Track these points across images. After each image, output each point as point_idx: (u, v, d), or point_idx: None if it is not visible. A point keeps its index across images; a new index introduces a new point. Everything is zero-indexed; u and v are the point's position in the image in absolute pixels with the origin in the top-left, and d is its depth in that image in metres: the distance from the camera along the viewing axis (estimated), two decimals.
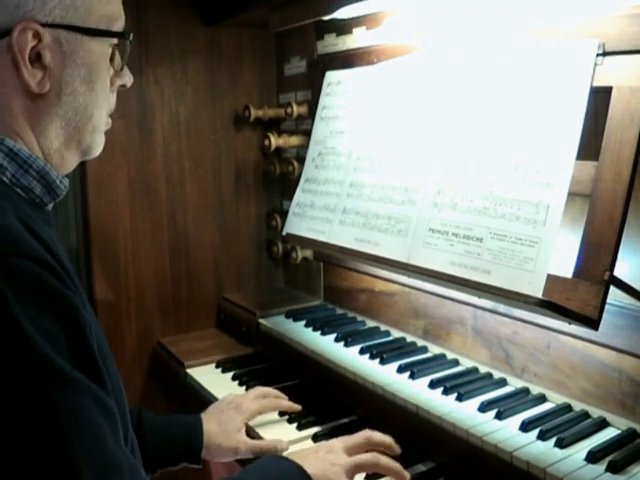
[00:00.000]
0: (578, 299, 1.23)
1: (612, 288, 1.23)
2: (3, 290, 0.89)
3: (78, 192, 2.26)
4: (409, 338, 1.95)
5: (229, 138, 2.46)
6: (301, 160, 2.10)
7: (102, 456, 0.93)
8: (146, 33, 2.27)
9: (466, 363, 1.76)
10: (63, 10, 1.05)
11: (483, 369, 1.71)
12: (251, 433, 1.63)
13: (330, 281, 2.33)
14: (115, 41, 1.15)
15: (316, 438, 1.60)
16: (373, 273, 2.08)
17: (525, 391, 1.59)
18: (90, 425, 0.93)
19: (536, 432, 1.39)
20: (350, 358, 1.85)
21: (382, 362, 1.79)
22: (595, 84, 1.29)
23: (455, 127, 1.54)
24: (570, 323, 1.27)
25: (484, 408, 1.50)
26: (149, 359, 2.36)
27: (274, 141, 2.32)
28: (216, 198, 2.46)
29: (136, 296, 2.32)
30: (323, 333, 2.04)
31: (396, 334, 1.99)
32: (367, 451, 1.38)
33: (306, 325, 2.13)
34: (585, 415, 1.46)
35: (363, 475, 1.40)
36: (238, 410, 1.60)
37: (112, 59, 1.16)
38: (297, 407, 1.68)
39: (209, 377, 2.04)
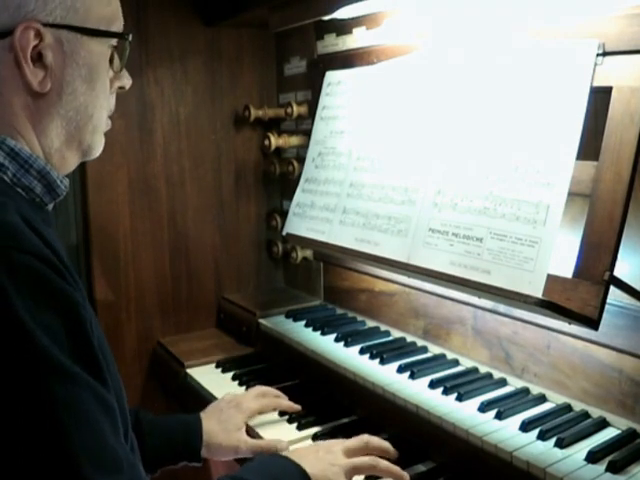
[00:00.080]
0: (578, 299, 1.23)
1: (612, 288, 1.23)
2: (4, 284, 0.89)
3: (78, 192, 2.26)
4: (409, 338, 1.95)
5: (229, 138, 2.46)
6: (301, 160, 2.10)
7: (101, 450, 0.93)
8: (146, 33, 2.27)
9: (466, 363, 1.76)
10: (64, 11, 1.07)
11: (483, 369, 1.71)
12: (251, 433, 1.63)
13: (330, 281, 2.33)
14: (114, 42, 1.16)
15: (316, 438, 1.60)
16: (373, 273, 2.08)
17: (525, 391, 1.59)
18: (89, 420, 0.93)
19: (536, 432, 1.39)
20: (350, 358, 1.85)
21: (382, 362, 1.79)
22: (595, 84, 1.29)
23: (455, 127, 1.54)
24: (570, 323, 1.27)
25: (484, 408, 1.50)
26: (149, 359, 2.36)
27: (274, 141, 2.32)
28: (216, 198, 2.46)
29: (136, 296, 2.32)
30: (323, 333, 2.04)
31: (396, 334, 1.99)
32: (365, 454, 1.38)
33: (306, 325, 2.13)
34: (585, 415, 1.46)
35: (362, 477, 1.40)
36: (238, 409, 1.61)
37: (111, 61, 1.17)
38: (297, 407, 1.69)
39: (209, 377, 2.04)
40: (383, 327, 2.04)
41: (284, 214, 2.15)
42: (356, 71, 1.94)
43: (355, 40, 2.05)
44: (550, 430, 1.38)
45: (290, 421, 1.69)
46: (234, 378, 2.00)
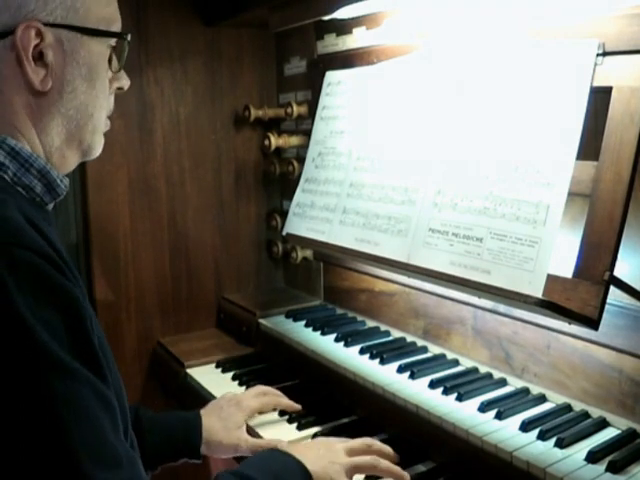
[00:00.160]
0: (578, 299, 1.23)
1: (612, 288, 1.23)
2: (4, 280, 0.90)
3: (78, 192, 2.26)
4: (409, 338, 1.95)
5: (229, 138, 2.46)
6: (301, 160, 2.10)
7: (101, 446, 0.94)
8: (146, 33, 2.27)
9: (466, 363, 1.76)
10: (64, 11, 1.08)
11: (483, 369, 1.71)
12: (251, 433, 1.63)
13: (330, 281, 2.33)
14: (113, 43, 1.18)
15: (316, 438, 1.60)
16: (373, 273, 2.08)
17: (525, 391, 1.59)
18: (89, 416, 0.93)
19: (536, 432, 1.39)
20: (350, 358, 1.85)
21: (382, 362, 1.79)
22: (595, 84, 1.29)
23: (455, 127, 1.54)
24: (570, 323, 1.27)
25: (484, 408, 1.50)
26: (149, 359, 2.36)
27: (274, 141, 2.32)
28: (216, 198, 2.46)
29: (136, 296, 2.32)
30: (323, 333, 2.04)
31: (396, 334, 1.99)
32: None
33: (306, 325, 2.13)
34: (585, 415, 1.46)
35: (362, 476, 1.40)
36: (238, 407, 1.61)
37: (110, 61, 1.18)
38: (297, 406, 1.69)
39: (209, 377, 2.04)
40: (383, 327, 2.04)
41: (284, 214, 2.15)
42: (356, 71, 1.94)
43: (355, 40, 2.05)
44: (550, 430, 1.38)
45: (290, 421, 1.69)
46: (234, 378, 2.00)
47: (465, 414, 1.49)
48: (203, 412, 1.59)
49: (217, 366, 2.11)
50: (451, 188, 1.49)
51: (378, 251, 1.64)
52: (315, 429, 1.65)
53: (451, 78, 1.59)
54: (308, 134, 2.07)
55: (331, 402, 1.79)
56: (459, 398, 1.56)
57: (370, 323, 2.11)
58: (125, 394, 1.17)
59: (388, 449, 1.43)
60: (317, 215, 1.88)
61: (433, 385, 1.63)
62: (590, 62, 1.29)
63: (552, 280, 1.26)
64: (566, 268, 1.27)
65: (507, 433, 1.40)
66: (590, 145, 1.31)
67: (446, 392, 1.59)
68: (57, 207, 1.27)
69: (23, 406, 0.89)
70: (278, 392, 1.72)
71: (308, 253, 2.37)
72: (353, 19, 2.02)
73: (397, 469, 1.36)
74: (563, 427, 1.40)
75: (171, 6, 2.31)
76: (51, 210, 1.18)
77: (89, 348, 0.97)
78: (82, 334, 0.96)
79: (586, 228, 1.26)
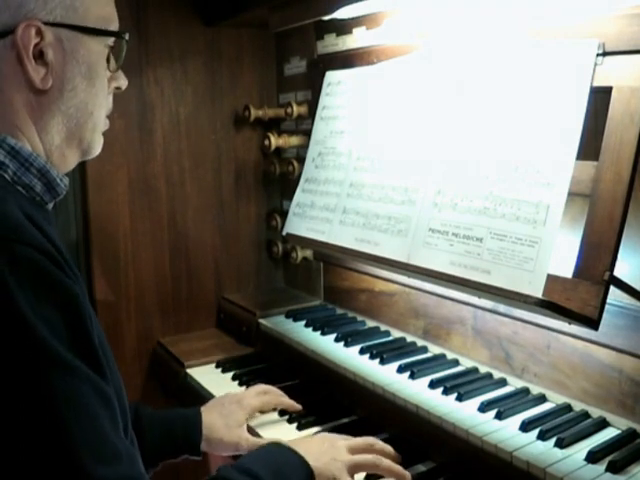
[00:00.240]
0: (578, 299, 1.23)
1: (612, 288, 1.23)
2: (5, 276, 0.90)
3: (78, 192, 2.26)
4: (409, 338, 1.95)
5: (229, 138, 2.46)
6: (301, 160, 2.10)
7: (100, 442, 0.94)
8: (146, 33, 2.27)
9: (466, 363, 1.76)
10: (63, 10, 1.09)
11: (483, 369, 1.71)
12: (251, 433, 1.62)
13: (330, 281, 2.33)
14: (111, 43, 1.19)
15: (320, 434, 1.59)
16: (373, 273, 2.08)
17: (525, 391, 1.59)
18: (88, 412, 0.94)
19: (536, 432, 1.39)
20: (350, 358, 1.85)
21: (382, 362, 1.79)
22: (595, 84, 1.29)
23: (455, 127, 1.54)
24: (570, 323, 1.27)
25: (484, 408, 1.50)
26: (149, 359, 2.36)
27: (274, 141, 2.32)
28: (216, 198, 2.46)
29: (136, 296, 2.32)
30: (323, 333, 2.04)
31: (396, 334, 1.99)
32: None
33: (306, 325, 2.13)
34: (585, 415, 1.46)
35: (363, 475, 1.40)
36: (240, 405, 1.61)
37: (108, 60, 1.19)
38: (298, 406, 1.69)
39: (209, 377, 2.04)
40: (383, 327, 2.04)
41: (284, 214, 2.15)
42: (356, 71, 1.94)
43: (355, 40, 2.05)
44: (550, 430, 1.38)
45: (290, 421, 1.69)
46: (234, 378, 2.00)
47: (465, 414, 1.49)
48: (204, 409, 1.60)
49: (217, 366, 2.11)
50: (451, 188, 1.49)
51: (378, 251, 1.64)
52: (315, 429, 1.65)
53: (451, 78, 1.59)
54: (308, 134, 2.07)
55: (331, 402, 1.79)
56: (459, 398, 1.56)
57: (370, 323, 2.11)
58: (125, 394, 1.17)
59: (390, 449, 1.43)
60: (317, 215, 1.88)
61: (433, 385, 1.63)
62: (590, 62, 1.29)
63: (552, 280, 1.26)
64: (566, 268, 1.27)
65: (507, 433, 1.40)
66: (590, 145, 1.31)
67: (446, 392, 1.59)
68: (57, 207, 1.28)
69: (23, 402, 0.90)
70: (279, 391, 1.73)
71: (308, 253, 2.37)
72: (353, 19, 2.02)
73: (398, 468, 1.36)
74: (563, 427, 1.40)
75: (171, 6, 2.31)
76: (51, 210, 1.18)
77: (89, 345, 0.97)
78: (82, 331, 0.97)
79: (586, 228, 1.26)
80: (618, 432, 1.39)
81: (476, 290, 1.38)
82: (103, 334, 1.13)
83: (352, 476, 1.34)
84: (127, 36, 1.21)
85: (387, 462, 1.36)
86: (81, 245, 2.28)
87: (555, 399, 1.54)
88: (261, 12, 2.09)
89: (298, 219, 1.94)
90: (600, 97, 1.29)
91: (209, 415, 1.57)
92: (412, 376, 1.69)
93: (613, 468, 1.26)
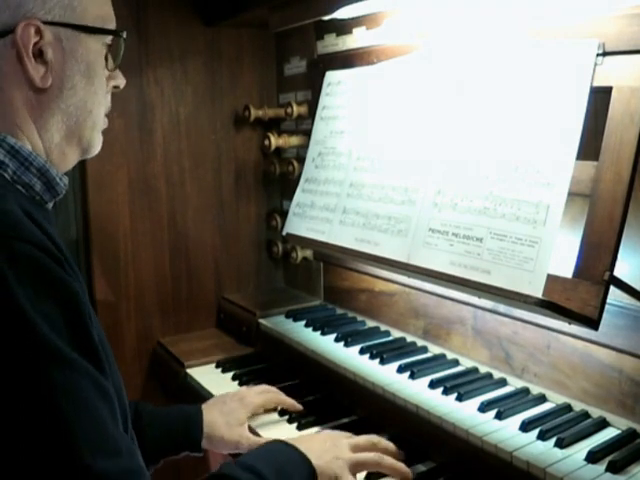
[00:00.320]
0: (578, 299, 1.23)
1: (612, 288, 1.23)
2: (4, 273, 0.91)
3: (78, 192, 2.26)
4: (409, 338, 1.95)
5: (229, 138, 2.46)
6: (301, 160, 2.10)
7: (100, 436, 0.94)
8: (146, 33, 2.26)
9: (466, 363, 1.76)
10: (62, 9, 1.10)
11: (483, 369, 1.71)
12: (251, 433, 1.62)
13: (330, 281, 2.33)
14: (109, 41, 1.20)
15: (323, 431, 1.59)
16: (373, 273, 2.08)
17: (525, 391, 1.59)
18: (88, 406, 0.94)
19: (536, 432, 1.39)
20: (350, 358, 1.85)
21: (382, 362, 1.79)
22: (595, 84, 1.29)
23: (455, 127, 1.54)
24: (570, 323, 1.27)
25: (484, 408, 1.50)
26: (149, 359, 2.36)
27: (274, 141, 2.32)
28: (216, 198, 2.46)
29: (136, 296, 2.33)
30: (323, 333, 2.04)
31: (396, 334, 1.99)
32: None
33: (306, 325, 2.13)
34: (585, 415, 1.46)
35: (364, 474, 1.40)
36: (241, 403, 1.62)
37: (106, 59, 1.20)
38: (299, 407, 1.69)
39: (209, 377, 2.04)
40: (383, 327, 2.04)
41: (284, 214, 2.15)
42: (356, 71, 1.94)
43: (355, 40, 2.05)
44: (550, 430, 1.38)
45: (290, 421, 1.69)
46: (234, 378, 2.00)
47: (465, 414, 1.49)
48: (205, 406, 1.60)
49: (217, 366, 2.11)
50: (451, 188, 1.49)
51: (378, 251, 1.64)
52: (315, 429, 1.65)
53: (451, 78, 1.59)
54: (308, 134, 2.07)
55: (331, 402, 1.79)
56: (459, 398, 1.56)
57: (370, 323, 2.11)
58: (125, 394, 1.17)
59: (393, 447, 1.43)
60: (317, 215, 1.88)
61: (433, 385, 1.63)
62: (590, 62, 1.29)
63: (552, 280, 1.26)
64: (566, 268, 1.27)
65: (507, 433, 1.40)
66: (590, 145, 1.31)
67: (446, 392, 1.59)
68: (57, 207, 1.28)
69: (23, 397, 0.90)
70: (280, 392, 1.73)
71: (308, 253, 2.37)
72: (353, 19, 2.02)
73: (401, 465, 1.36)
74: (563, 427, 1.40)
75: (171, 6, 2.31)
76: (51, 209, 1.19)
77: (88, 341, 0.98)
78: (81, 327, 0.97)
79: (586, 228, 1.26)
80: (618, 432, 1.39)
81: (476, 290, 1.38)
82: (103, 333, 1.13)
83: (354, 474, 1.34)
84: (125, 34, 1.22)
85: (389, 460, 1.36)
86: (81, 245, 2.29)
87: (555, 399, 1.54)
88: (261, 12, 2.09)
89: (298, 219, 1.94)
90: (600, 97, 1.29)
91: (210, 413, 1.57)
92: (412, 376, 1.69)
93: (613, 468, 1.26)
